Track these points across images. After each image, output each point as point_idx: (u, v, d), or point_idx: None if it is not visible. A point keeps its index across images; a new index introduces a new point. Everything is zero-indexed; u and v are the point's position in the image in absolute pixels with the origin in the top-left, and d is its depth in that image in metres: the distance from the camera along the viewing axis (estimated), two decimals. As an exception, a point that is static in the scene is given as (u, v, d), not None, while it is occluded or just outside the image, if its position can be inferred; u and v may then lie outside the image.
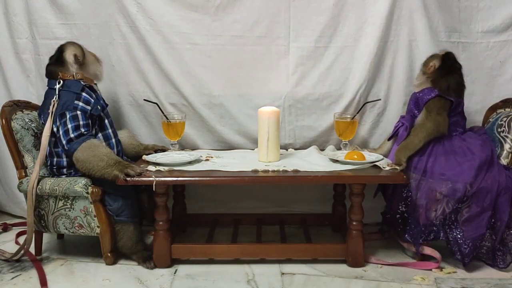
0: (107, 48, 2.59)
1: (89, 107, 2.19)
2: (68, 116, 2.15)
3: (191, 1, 2.59)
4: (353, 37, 2.60)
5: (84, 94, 2.21)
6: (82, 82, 2.23)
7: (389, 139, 2.42)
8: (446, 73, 2.28)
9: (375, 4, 2.57)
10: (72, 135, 2.13)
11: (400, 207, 2.24)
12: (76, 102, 2.18)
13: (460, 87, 2.31)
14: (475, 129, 2.38)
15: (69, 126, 2.14)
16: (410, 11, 2.57)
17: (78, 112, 2.16)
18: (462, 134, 2.31)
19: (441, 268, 2.18)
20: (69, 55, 2.25)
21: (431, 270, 2.17)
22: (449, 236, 2.14)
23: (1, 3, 2.66)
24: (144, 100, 2.60)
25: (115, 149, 2.30)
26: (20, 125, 2.31)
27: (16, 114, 2.33)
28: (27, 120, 2.35)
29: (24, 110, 2.39)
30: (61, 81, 2.22)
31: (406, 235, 2.21)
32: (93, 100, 2.22)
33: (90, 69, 2.31)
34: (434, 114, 2.22)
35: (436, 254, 2.19)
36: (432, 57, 2.37)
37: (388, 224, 2.39)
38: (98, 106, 2.22)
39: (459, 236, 2.12)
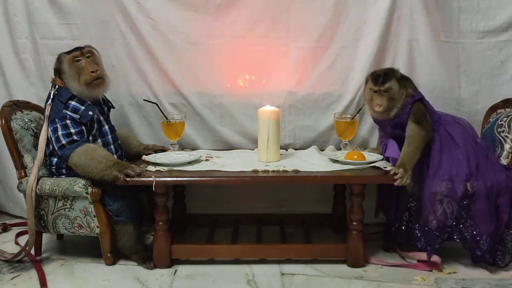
0: (107, 48, 2.58)
1: (77, 115, 2.18)
2: (58, 124, 2.16)
3: (191, 1, 2.59)
4: (353, 37, 2.60)
5: (73, 102, 2.19)
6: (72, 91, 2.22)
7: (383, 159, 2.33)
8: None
9: (375, 4, 2.57)
10: (63, 142, 2.14)
11: (404, 217, 2.24)
12: (64, 111, 2.18)
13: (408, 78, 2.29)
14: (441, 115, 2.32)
15: (60, 133, 2.15)
16: (410, 11, 2.57)
17: (68, 121, 2.16)
18: (436, 121, 2.24)
19: (441, 269, 2.17)
20: (54, 66, 2.26)
21: (431, 271, 2.16)
22: (465, 234, 2.12)
23: (1, 2, 2.66)
24: (144, 100, 2.59)
25: (115, 155, 2.29)
26: (19, 125, 2.31)
27: (15, 114, 2.33)
28: (26, 120, 2.34)
29: (23, 110, 2.38)
30: (56, 86, 2.23)
31: (418, 244, 2.17)
32: (82, 108, 2.19)
33: (69, 85, 2.22)
34: (424, 122, 2.18)
35: (436, 259, 2.16)
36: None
37: (393, 237, 2.33)
38: (90, 112, 2.20)
39: (475, 233, 2.11)
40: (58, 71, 2.24)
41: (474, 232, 2.11)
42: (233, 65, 2.63)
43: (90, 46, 2.28)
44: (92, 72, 2.21)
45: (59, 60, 2.25)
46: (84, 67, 2.21)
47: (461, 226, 2.13)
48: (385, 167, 2.19)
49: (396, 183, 2.07)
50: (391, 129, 2.28)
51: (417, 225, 2.19)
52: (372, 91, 2.22)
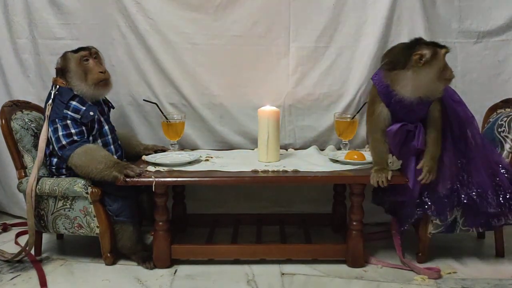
0: (107, 48, 2.58)
1: (78, 116, 2.18)
2: (59, 125, 2.16)
3: (191, 1, 2.59)
4: (353, 37, 2.60)
5: (74, 103, 2.19)
6: (74, 91, 2.22)
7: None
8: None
9: (375, 4, 2.57)
10: (64, 142, 2.14)
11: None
12: (65, 111, 2.18)
13: None
14: None
15: (60, 133, 2.15)
16: (410, 11, 2.56)
17: (68, 122, 2.17)
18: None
19: (440, 275, 2.14)
20: (57, 65, 2.25)
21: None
22: (471, 194, 2.10)
23: (0, 3, 2.66)
24: (144, 100, 2.59)
25: (115, 155, 2.29)
26: (19, 125, 2.31)
27: (15, 114, 2.33)
28: (26, 120, 2.34)
29: (23, 110, 2.38)
30: (57, 86, 2.22)
31: (428, 212, 2.14)
32: (83, 108, 2.19)
33: (73, 84, 2.22)
34: (443, 110, 2.15)
35: (435, 275, 2.12)
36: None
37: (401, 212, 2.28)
38: (91, 113, 2.20)
39: (479, 190, 2.09)
40: (62, 70, 2.24)
41: (479, 190, 2.10)
42: (233, 65, 2.63)
43: (94, 47, 2.29)
44: (101, 72, 2.23)
45: (65, 58, 2.24)
46: (92, 67, 2.22)
47: (464, 187, 2.12)
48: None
49: (422, 182, 2.09)
50: (426, 111, 2.13)
51: (426, 193, 2.16)
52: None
